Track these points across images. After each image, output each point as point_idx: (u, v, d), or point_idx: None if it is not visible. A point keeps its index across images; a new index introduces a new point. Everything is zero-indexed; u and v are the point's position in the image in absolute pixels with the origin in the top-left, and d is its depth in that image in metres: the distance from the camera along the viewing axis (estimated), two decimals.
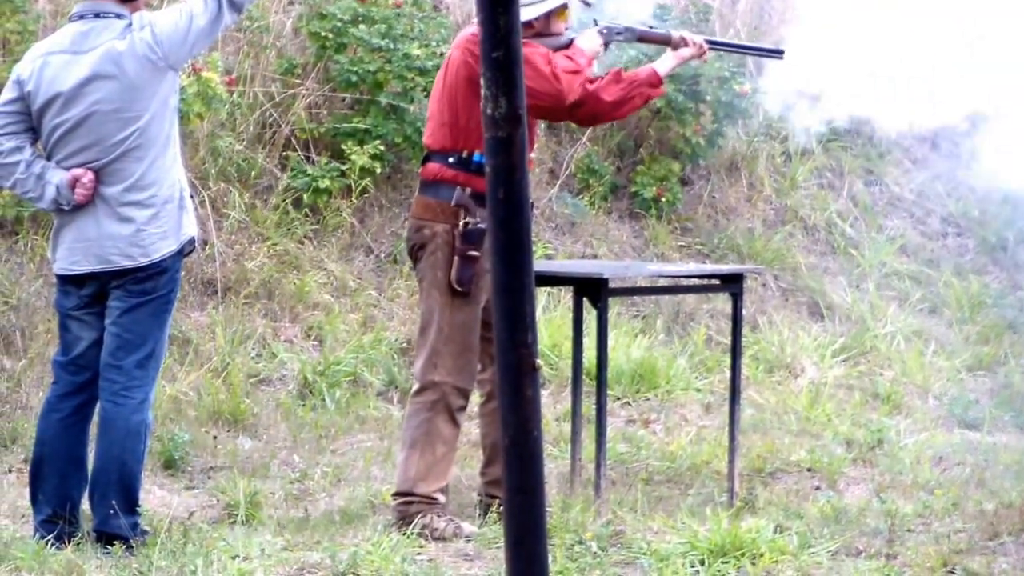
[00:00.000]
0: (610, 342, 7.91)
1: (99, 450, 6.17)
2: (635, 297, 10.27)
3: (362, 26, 10.05)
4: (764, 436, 8.61)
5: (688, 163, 11.41)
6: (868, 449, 8.43)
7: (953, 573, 6.00)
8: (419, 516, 6.44)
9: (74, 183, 6.09)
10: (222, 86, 9.10)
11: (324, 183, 9.87)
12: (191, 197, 6.42)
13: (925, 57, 6.91)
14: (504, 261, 2.98)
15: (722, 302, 10.26)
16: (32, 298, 8.64)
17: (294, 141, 10.13)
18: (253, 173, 9.89)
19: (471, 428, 7.77)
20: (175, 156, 6.23)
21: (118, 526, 6.09)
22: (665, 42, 6.99)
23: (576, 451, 7.08)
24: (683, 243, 11.21)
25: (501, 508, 3.22)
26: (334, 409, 8.78)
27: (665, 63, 6.92)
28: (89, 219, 6.14)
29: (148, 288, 6.15)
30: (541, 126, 10.92)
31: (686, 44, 6.94)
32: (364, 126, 10.02)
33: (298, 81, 10.23)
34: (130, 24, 6.13)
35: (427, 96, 6.89)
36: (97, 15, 6.15)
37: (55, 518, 6.19)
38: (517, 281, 2.98)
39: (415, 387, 6.63)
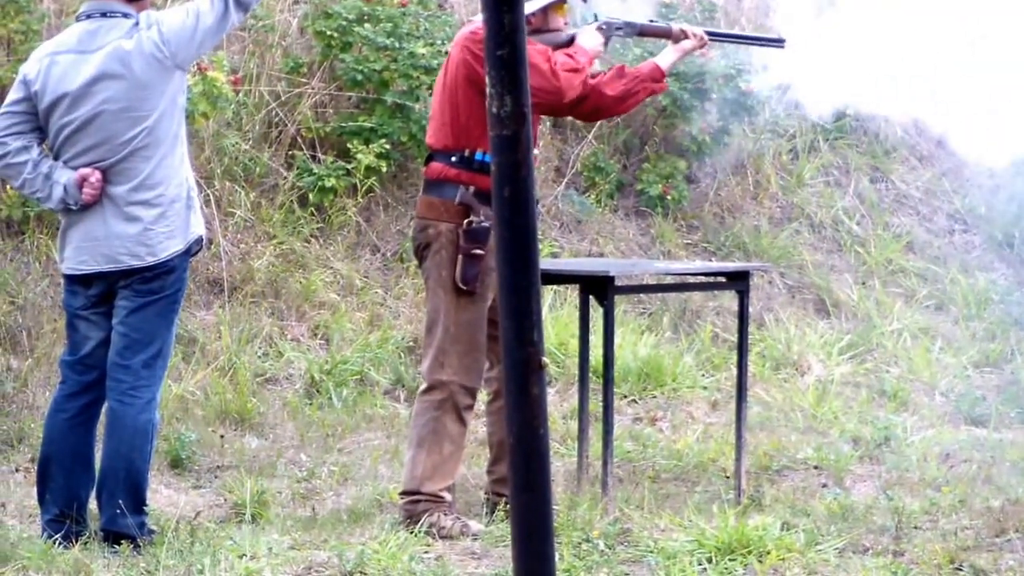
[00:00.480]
0: (616, 340, 7.92)
1: (106, 449, 6.18)
2: (641, 295, 10.27)
3: (367, 25, 10.05)
4: (771, 433, 8.61)
5: (694, 161, 11.41)
6: (875, 446, 8.42)
7: (960, 570, 5.99)
8: (426, 515, 6.44)
9: (81, 183, 6.09)
10: (228, 85, 9.11)
11: (330, 182, 9.87)
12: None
13: (927, 56, 6.91)
14: (510, 259, 2.98)
15: (728, 300, 10.26)
16: (38, 298, 8.65)
17: (300, 140, 10.13)
18: (259, 172, 9.90)
19: (478, 426, 7.77)
20: (183, 155, 6.23)
21: (125, 525, 6.09)
22: (666, 35, 7.01)
23: (583, 449, 7.08)
24: (689, 241, 11.21)
25: (508, 506, 3.22)
26: (341, 408, 8.78)
27: (667, 57, 6.93)
28: (96, 219, 6.14)
29: (155, 288, 6.16)
30: (547, 124, 10.92)
31: (686, 36, 6.96)
32: (370, 125, 10.02)
33: (304, 80, 10.23)
34: (137, 23, 6.13)
35: (432, 95, 6.88)
36: (104, 14, 6.15)
37: (62, 517, 6.19)
38: (523, 279, 2.98)
39: (422, 386, 6.63)
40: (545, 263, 7.78)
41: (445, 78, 6.61)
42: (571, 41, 6.73)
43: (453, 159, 6.54)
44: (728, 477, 7.57)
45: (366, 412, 8.76)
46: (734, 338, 8.77)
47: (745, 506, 6.88)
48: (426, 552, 6.16)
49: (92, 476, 6.25)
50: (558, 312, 9.79)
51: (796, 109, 11.06)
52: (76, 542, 6.05)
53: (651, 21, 7.11)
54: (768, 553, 5.98)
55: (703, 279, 7.96)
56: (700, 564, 5.94)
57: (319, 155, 10.10)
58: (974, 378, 10.20)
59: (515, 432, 3.00)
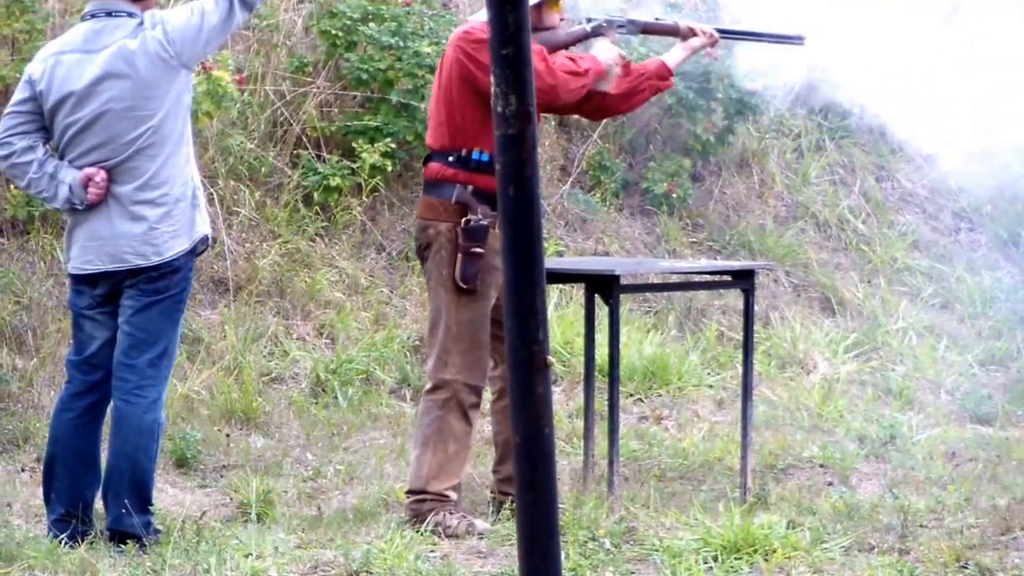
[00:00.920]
0: (622, 339, 7.91)
1: (112, 449, 6.18)
2: (647, 293, 10.27)
3: (372, 24, 10.05)
4: (776, 432, 8.61)
5: (699, 159, 11.41)
6: (880, 445, 8.42)
7: (966, 568, 5.98)
8: (432, 514, 6.44)
9: (87, 182, 6.09)
10: (232, 85, 9.11)
11: (335, 181, 9.87)
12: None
13: (928, 56, 6.90)
14: (515, 258, 2.98)
15: (734, 298, 10.25)
16: (43, 297, 8.65)
17: (305, 139, 10.13)
18: (263, 171, 9.90)
19: (484, 425, 7.77)
20: (188, 154, 6.23)
21: (131, 525, 6.09)
22: (672, 33, 6.93)
23: (589, 448, 7.09)
24: (694, 239, 11.20)
25: (514, 505, 3.22)
26: (346, 407, 8.78)
27: (675, 55, 6.88)
28: (102, 218, 6.14)
29: (161, 287, 6.16)
30: (552, 123, 10.92)
31: (695, 34, 6.89)
32: (375, 124, 10.02)
33: (309, 79, 10.24)
34: (142, 22, 6.13)
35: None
36: (109, 14, 6.15)
37: (68, 517, 6.19)
38: (528, 278, 2.98)
39: (427, 385, 6.63)
40: (550, 262, 7.80)
41: (440, 78, 6.61)
42: (573, 42, 6.71)
43: (450, 159, 6.54)
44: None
45: (372, 411, 8.76)
46: (739, 337, 8.75)
47: (751, 504, 6.87)
48: (432, 551, 6.16)
49: (98, 476, 6.25)
50: (563, 311, 9.79)
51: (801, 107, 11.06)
52: (82, 542, 6.05)
53: (656, 19, 7.05)
54: (774, 551, 5.98)
55: (708, 278, 7.96)
56: (706, 563, 5.94)
57: (324, 154, 10.10)
58: (980, 376, 10.19)
59: (520, 431, 3.00)
